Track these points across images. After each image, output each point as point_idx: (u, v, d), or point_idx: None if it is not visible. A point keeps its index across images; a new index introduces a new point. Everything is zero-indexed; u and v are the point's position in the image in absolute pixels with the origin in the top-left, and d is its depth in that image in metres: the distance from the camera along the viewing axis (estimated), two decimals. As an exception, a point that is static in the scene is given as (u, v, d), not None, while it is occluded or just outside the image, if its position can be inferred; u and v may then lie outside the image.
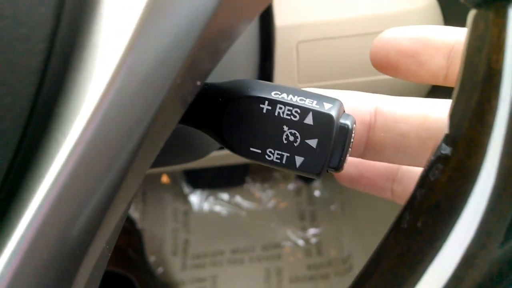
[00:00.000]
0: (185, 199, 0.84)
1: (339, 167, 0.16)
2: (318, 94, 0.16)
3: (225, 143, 0.17)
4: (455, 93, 0.11)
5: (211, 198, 0.84)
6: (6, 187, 0.10)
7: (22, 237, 0.10)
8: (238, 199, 0.84)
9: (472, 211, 0.10)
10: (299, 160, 0.16)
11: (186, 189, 0.84)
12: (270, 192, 0.84)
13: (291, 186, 0.85)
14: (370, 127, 0.19)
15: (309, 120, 0.15)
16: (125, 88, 0.10)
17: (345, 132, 0.16)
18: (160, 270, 0.77)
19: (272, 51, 0.41)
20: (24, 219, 0.10)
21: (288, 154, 0.16)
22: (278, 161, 0.16)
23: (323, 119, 0.15)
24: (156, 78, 0.10)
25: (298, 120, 0.16)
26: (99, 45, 0.09)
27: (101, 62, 0.09)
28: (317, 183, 0.84)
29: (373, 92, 0.48)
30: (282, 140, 0.16)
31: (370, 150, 0.19)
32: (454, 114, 0.11)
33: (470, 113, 0.10)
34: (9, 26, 0.08)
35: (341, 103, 0.16)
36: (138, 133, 0.10)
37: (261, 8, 0.13)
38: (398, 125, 0.18)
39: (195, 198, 0.84)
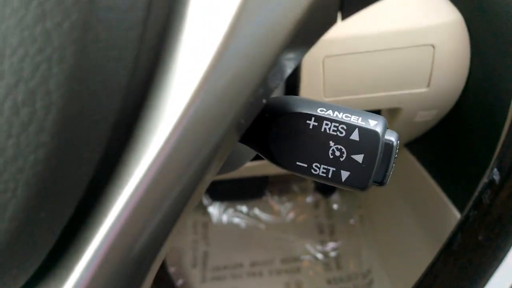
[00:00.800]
0: (204, 210, 0.84)
1: (384, 182, 0.16)
2: (363, 111, 0.17)
3: (272, 158, 0.17)
4: (508, 121, 0.11)
5: (230, 210, 0.84)
6: (87, 197, 0.11)
7: (99, 246, 0.11)
8: (256, 211, 0.84)
9: None
10: (345, 174, 0.16)
11: (205, 200, 0.85)
12: (288, 205, 0.84)
13: (309, 199, 0.85)
14: None
15: (355, 136, 0.16)
16: (202, 107, 0.10)
17: (390, 148, 0.16)
18: (180, 282, 0.78)
19: (299, 66, 0.41)
20: (102, 229, 0.11)
21: (334, 169, 0.16)
22: (324, 175, 0.17)
23: (369, 135, 0.16)
24: (231, 98, 0.11)
25: (344, 136, 0.16)
26: (180, 68, 0.10)
27: (181, 83, 0.10)
28: (335, 197, 0.84)
29: (398, 105, 0.48)
30: (328, 155, 0.16)
31: None
32: (507, 142, 0.11)
33: None
34: (103, 48, 0.09)
35: (385, 120, 0.17)
36: (208, 150, 0.11)
37: (325, 31, 0.14)
38: None
39: (214, 210, 0.84)
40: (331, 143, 0.16)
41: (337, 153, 0.16)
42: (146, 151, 0.10)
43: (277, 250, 0.80)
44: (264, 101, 0.13)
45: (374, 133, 0.16)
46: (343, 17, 0.14)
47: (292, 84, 0.43)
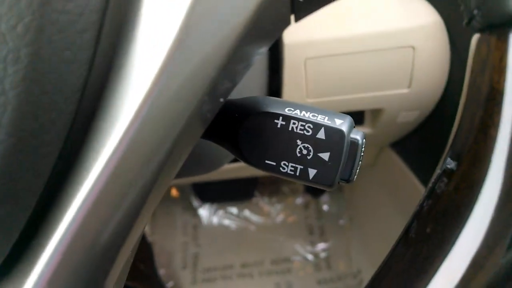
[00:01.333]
0: (194, 212, 0.84)
1: (350, 179, 0.17)
2: (329, 111, 0.17)
3: (242, 156, 0.18)
4: (459, 111, 0.12)
5: (220, 212, 0.85)
6: (46, 193, 0.11)
7: (61, 239, 0.11)
8: (247, 213, 0.84)
9: (478, 218, 0.11)
10: (312, 172, 0.17)
11: (195, 202, 0.85)
12: (278, 206, 0.85)
13: (299, 200, 0.85)
14: None
15: (321, 134, 0.16)
16: (156, 105, 0.11)
17: (355, 146, 0.16)
18: (170, 284, 0.78)
19: (281, 68, 0.42)
20: (63, 223, 0.11)
21: (302, 167, 0.17)
22: (292, 173, 0.17)
23: (334, 134, 0.16)
24: (185, 96, 0.11)
25: (311, 134, 0.17)
26: (134, 68, 0.11)
27: (135, 83, 0.11)
28: (325, 198, 0.84)
29: (380, 106, 0.49)
30: (296, 153, 0.17)
31: None
32: (459, 130, 0.12)
33: (475, 129, 0.11)
34: (57, 50, 0.10)
35: (351, 119, 0.17)
36: (166, 146, 0.12)
37: (280, 31, 0.14)
38: None
39: (204, 212, 0.85)
40: (299, 142, 0.17)
41: (304, 152, 0.17)
42: (103, 147, 0.11)
43: (268, 251, 0.80)
44: (221, 100, 0.13)
45: (340, 131, 0.16)
46: (296, 19, 0.14)
47: (275, 85, 0.43)
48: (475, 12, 0.11)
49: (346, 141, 0.16)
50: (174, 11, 0.11)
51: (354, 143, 0.16)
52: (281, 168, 0.17)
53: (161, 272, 0.78)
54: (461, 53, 0.43)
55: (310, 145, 0.17)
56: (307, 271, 0.79)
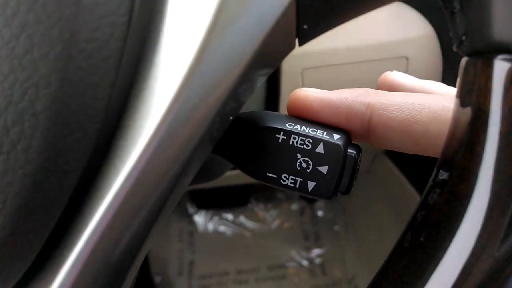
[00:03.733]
0: (190, 219, 0.85)
1: (347, 191, 0.18)
2: (328, 126, 0.18)
3: (244, 169, 0.19)
4: (450, 128, 0.13)
5: (216, 218, 0.85)
6: (70, 206, 0.12)
7: (82, 250, 0.12)
8: (242, 219, 0.85)
9: (468, 228, 0.12)
10: (311, 184, 0.18)
11: (191, 209, 0.85)
12: (273, 212, 0.85)
13: (294, 206, 0.86)
14: (366, 119, 0.18)
15: (320, 149, 0.17)
16: (173, 126, 0.12)
17: (352, 160, 0.17)
18: (166, 290, 0.78)
19: (279, 77, 0.43)
20: (85, 234, 0.12)
21: (301, 179, 0.18)
22: (292, 185, 0.18)
23: (332, 148, 0.17)
24: (199, 118, 0.12)
25: (310, 149, 0.17)
26: (153, 91, 0.11)
27: (153, 106, 0.11)
28: (320, 204, 0.85)
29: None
30: (296, 166, 0.18)
31: (373, 137, 0.18)
32: (449, 146, 0.12)
33: (463, 146, 0.12)
34: (84, 75, 0.10)
35: (349, 134, 0.18)
36: (180, 164, 0.12)
37: (285, 55, 0.15)
38: (394, 113, 0.17)
39: (200, 218, 0.85)
40: (299, 156, 0.18)
41: (304, 165, 0.18)
42: (124, 164, 0.12)
43: (263, 257, 0.81)
44: (231, 118, 0.14)
45: (337, 146, 0.17)
46: (300, 44, 0.15)
47: (273, 95, 0.44)
48: (463, 38, 0.12)
49: (343, 155, 0.17)
50: (190, 41, 0.11)
51: (351, 157, 0.17)
52: (281, 181, 0.18)
53: (157, 279, 0.78)
54: (453, 63, 0.45)
55: (310, 159, 0.17)
56: (302, 277, 0.79)
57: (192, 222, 0.84)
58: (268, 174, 0.18)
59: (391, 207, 0.65)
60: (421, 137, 0.17)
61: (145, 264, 0.77)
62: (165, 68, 0.11)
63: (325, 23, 0.14)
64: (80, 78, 0.10)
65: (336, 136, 0.17)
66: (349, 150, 0.17)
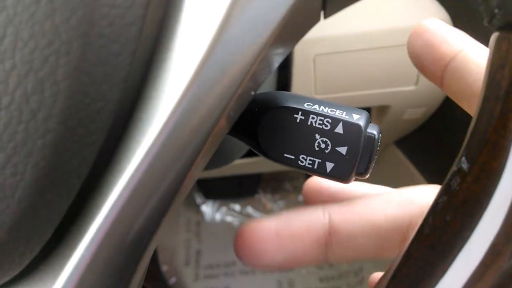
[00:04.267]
0: (197, 209, 0.85)
1: (366, 172, 0.17)
2: (347, 106, 0.18)
3: (261, 150, 0.18)
4: (478, 105, 0.12)
5: (223, 209, 0.85)
6: (89, 181, 0.12)
7: (101, 225, 0.12)
8: (249, 209, 0.85)
9: (497, 206, 0.11)
10: (329, 165, 0.17)
11: (198, 199, 0.86)
12: (281, 203, 0.85)
13: (301, 197, 0.86)
14: (327, 244, 0.19)
15: (339, 129, 0.17)
16: (193, 100, 0.11)
17: (371, 141, 0.17)
18: (173, 280, 0.78)
19: (291, 64, 0.42)
20: (103, 209, 0.12)
21: (320, 160, 0.17)
22: (310, 166, 0.18)
23: (352, 128, 0.17)
24: (223, 91, 0.11)
25: (329, 129, 0.17)
26: (173, 63, 0.11)
27: (174, 78, 0.11)
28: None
29: (387, 103, 0.49)
30: (314, 147, 0.17)
31: (332, 256, 0.19)
32: (477, 125, 0.12)
33: (495, 121, 0.11)
34: (106, 42, 0.10)
35: (368, 114, 0.17)
36: (199, 140, 0.12)
37: (309, 28, 0.15)
38: (355, 240, 0.19)
39: (207, 209, 0.85)
40: (317, 136, 0.17)
41: (323, 146, 0.17)
42: (142, 139, 0.11)
43: (270, 247, 0.81)
44: (252, 93, 0.13)
45: (357, 126, 0.17)
46: (326, 16, 0.14)
47: (284, 81, 0.44)
48: (496, 11, 0.12)
49: (363, 135, 0.17)
50: (214, 8, 0.11)
51: (370, 138, 0.17)
52: (299, 162, 0.18)
53: (164, 268, 0.79)
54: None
55: (328, 139, 0.17)
56: (309, 268, 0.79)
57: (199, 212, 0.84)
58: (285, 155, 0.18)
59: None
60: None
61: (153, 253, 0.77)
62: (186, 39, 0.11)
63: None
64: (102, 45, 0.10)
65: (356, 116, 0.17)
66: (368, 130, 0.17)
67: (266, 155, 0.18)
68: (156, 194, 0.12)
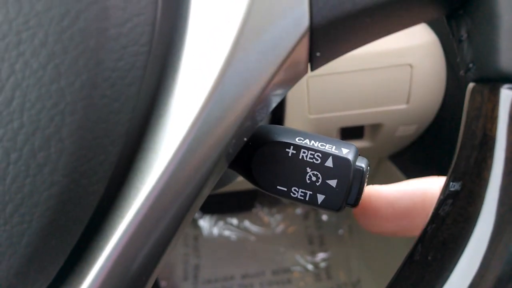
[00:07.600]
0: (195, 223, 0.85)
1: (355, 203, 0.18)
2: (337, 140, 0.18)
3: (255, 182, 0.19)
4: (456, 151, 0.13)
5: (221, 223, 0.85)
6: (91, 224, 0.12)
7: (103, 266, 0.13)
8: (247, 223, 0.85)
9: (474, 249, 0.12)
10: (320, 197, 0.18)
11: (196, 214, 0.86)
12: (278, 217, 0.86)
13: (299, 211, 0.86)
14: None
15: (329, 163, 0.18)
16: (191, 149, 0.12)
17: (360, 173, 0.18)
18: (171, 295, 0.78)
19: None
20: (105, 251, 0.13)
21: (311, 192, 0.18)
22: (302, 198, 0.18)
23: (341, 162, 0.18)
24: (217, 140, 0.12)
25: (320, 163, 0.18)
26: (171, 115, 0.12)
27: (172, 129, 0.12)
28: (324, 208, 0.85)
29: (379, 121, 0.49)
30: (306, 180, 0.18)
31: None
32: (456, 168, 0.13)
33: (470, 169, 0.12)
34: (108, 102, 0.11)
35: (356, 148, 0.18)
36: (198, 183, 0.13)
37: (298, 80, 0.15)
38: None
39: (205, 223, 0.85)
40: (308, 169, 0.18)
41: (314, 178, 0.18)
42: (142, 186, 0.12)
43: (268, 261, 0.81)
44: (245, 139, 0.14)
45: (346, 160, 0.18)
46: (312, 69, 0.15)
47: (279, 102, 0.45)
48: (470, 65, 0.12)
49: (352, 168, 0.17)
50: (208, 70, 0.12)
51: (359, 171, 0.18)
52: (291, 194, 0.18)
53: (163, 284, 0.79)
54: (456, 71, 0.45)
55: (319, 173, 0.18)
56: (307, 281, 0.79)
57: (197, 227, 0.85)
58: (278, 187, 0.19)
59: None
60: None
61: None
62: (183, 96, 0.12)
63: (337, 51, 0.15)
64: (104, 104, 0.11)
65: (345, 150, 0.18)
66: (357, 163, 0.18)
67: (259, 186, 0.19)
68: (156, 236, 0.13)
